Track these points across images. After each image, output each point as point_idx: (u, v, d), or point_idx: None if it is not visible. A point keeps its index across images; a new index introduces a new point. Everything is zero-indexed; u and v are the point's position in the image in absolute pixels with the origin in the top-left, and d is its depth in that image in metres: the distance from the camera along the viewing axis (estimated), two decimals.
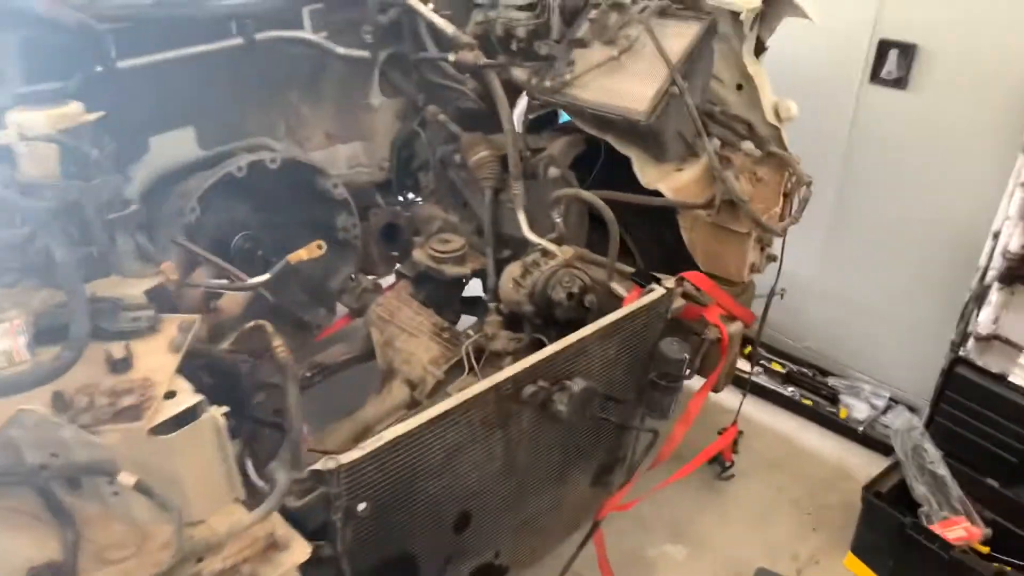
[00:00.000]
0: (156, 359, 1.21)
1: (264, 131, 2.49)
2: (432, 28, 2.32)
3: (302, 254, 1.54)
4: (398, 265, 2.87)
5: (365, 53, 2.47)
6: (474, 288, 2.77)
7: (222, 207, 2.41)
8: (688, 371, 2.06)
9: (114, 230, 1.28)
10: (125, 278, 1.32)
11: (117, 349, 1.20)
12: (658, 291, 2.00)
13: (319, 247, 1.56)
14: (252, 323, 1.47)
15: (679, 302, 2.09)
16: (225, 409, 1.17)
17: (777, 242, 2.33)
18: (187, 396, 1.15)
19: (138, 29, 2.05)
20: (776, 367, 3.39)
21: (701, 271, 2.21)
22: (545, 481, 2.07)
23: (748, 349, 3.40)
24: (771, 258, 2.29)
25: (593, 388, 1.84)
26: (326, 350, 2.67)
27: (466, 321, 2.83)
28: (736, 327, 2.14)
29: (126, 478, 1.07)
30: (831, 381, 3.26)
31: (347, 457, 1.41)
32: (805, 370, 3.35)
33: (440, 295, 2.69)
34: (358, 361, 2.69)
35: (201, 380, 1.39)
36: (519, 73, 2.38)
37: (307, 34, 2.38)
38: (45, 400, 1.10)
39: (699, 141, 2.14)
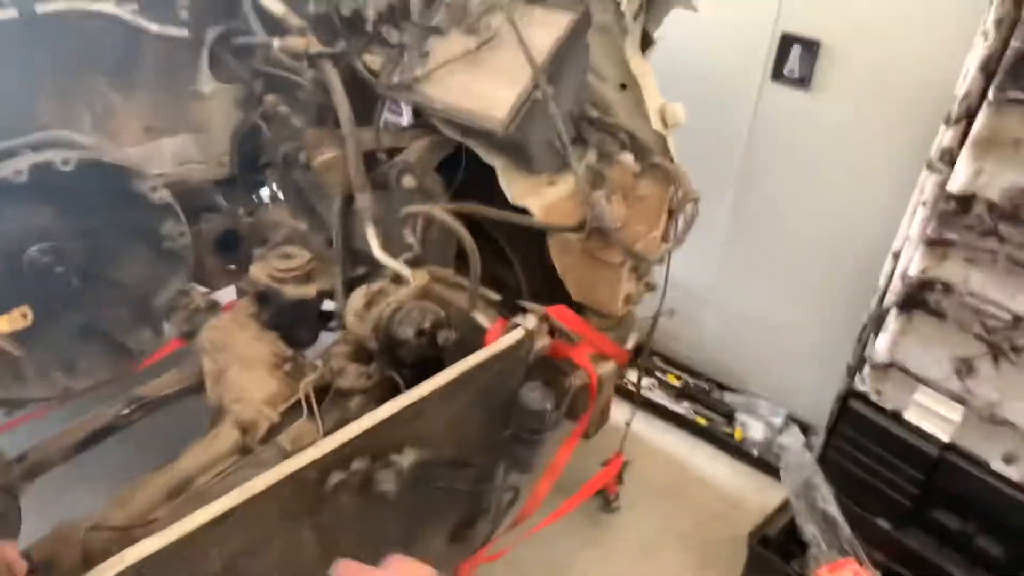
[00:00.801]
0: None
1: (63, 123, 2.06)
2: (258, 6, 1.93)
3: (2, 323, 1.17)
4: (240, 278, 2.48)
5: (184, 32, 2.05)
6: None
7: (11, 215, 1.99)
8: (552, 420, 1.78)
9: None
10: None
11: None
12: (516, 332, 1.70)
13: (22, 315, 1.19)
14: None
15: (543, 341, 1.80)
16: None
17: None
18: None
19: None
20: (671, 379, 3.18)
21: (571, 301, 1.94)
22: (384, 551, 1.77)
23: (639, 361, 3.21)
24: (650, 287, 2.03)
25: (428, 460, 1.54)
26: (150, 381, 2.29)
27: (327, 340, 2.50)
28: (608, 368, 1.88)
29: None
30: (728, 397, 3.08)
31: None
32: (702, 384, 3.16)
33: (289, 314, 2.33)
34: (188, 393, 2.32)
35: None
36: (367, 63, 2.02)
37: (108, 7, 1.95)
38: None
39: (567, 153, 1.83)
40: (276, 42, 1.91)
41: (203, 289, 2.44)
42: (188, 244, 2.29)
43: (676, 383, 3.15)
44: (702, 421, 3.01)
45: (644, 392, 3.11)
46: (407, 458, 1.48)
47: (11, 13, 1.82)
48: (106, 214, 2.18)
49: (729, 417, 3.02)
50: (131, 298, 2.33)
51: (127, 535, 1.72)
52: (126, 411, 2.19)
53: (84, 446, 2.13)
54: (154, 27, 2.03)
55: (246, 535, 1.30)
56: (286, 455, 1.86)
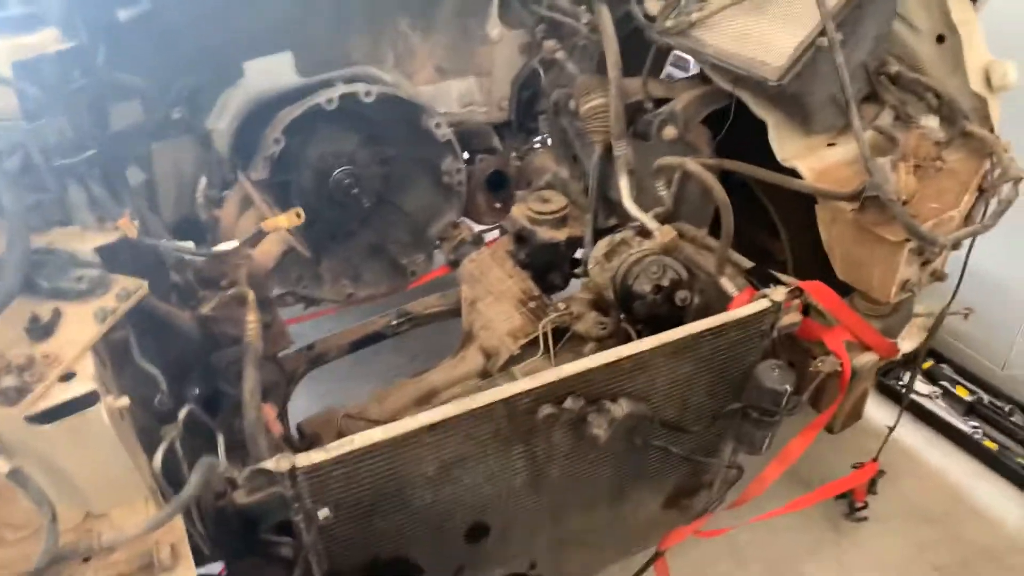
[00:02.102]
0: (79, 328, 1.09)
1: (370, 60, 2.31)
2: None
3: (280, 221, 1.35)
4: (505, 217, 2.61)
5: None
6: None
7: (325, 139, 2.31)
8: (791, 404, 1.63)
9: (65, 177, 1.17)
10: (87, 230, 1.21)
11: (47, 311, 1.09)
12: (760, 303, 1.57)
13: (297, 215, 1.36)
14: (233, 291, 1.32)
15: (793, 318, 1.64)
16: (123, 401, 1.02)
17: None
18: (83, 381, 1.01)
19: None
20: (961, 392, 2.72)
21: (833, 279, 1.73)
22: (594, 498, 1.78)
23: (926, 364, 2.80)
24: (937, 276, 1.73)
25: (642, 414, 1.50)
26: (418, 299, 2.53)
27: (577, 287, 2.55)
28: (866, 359, 1.66)
29: (0, 464, 0.96)
30: None
31: (305, 459, 1.24)
32: (1000, 403, 2.66)
33: (542, 256, 2.40)
34: (449, 315, 2.53)
35: (161, 341, 1.28)
36: (651, 8, 1.95)
37: None
38: None
39: (851, 111, 1.60)
40: None
41: (471, 224, 2.61)
42: (463, 180, 2.46)
43: (966, 397, 2.69)
44: (991, 445, 2.54)
45: (926, 402, 2.71)
46: (621, 408, 1.46)
47: None
48: (397, 146, 2.42)
49: None
50: (411, 224, 2.58)
51: (374, 427, 1.95)
52: (395, 322, 2.47)
53: (358, 346, 2.44)
54: None
55: (459, 446, 1.39)
56: None
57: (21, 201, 1.11)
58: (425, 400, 2.14)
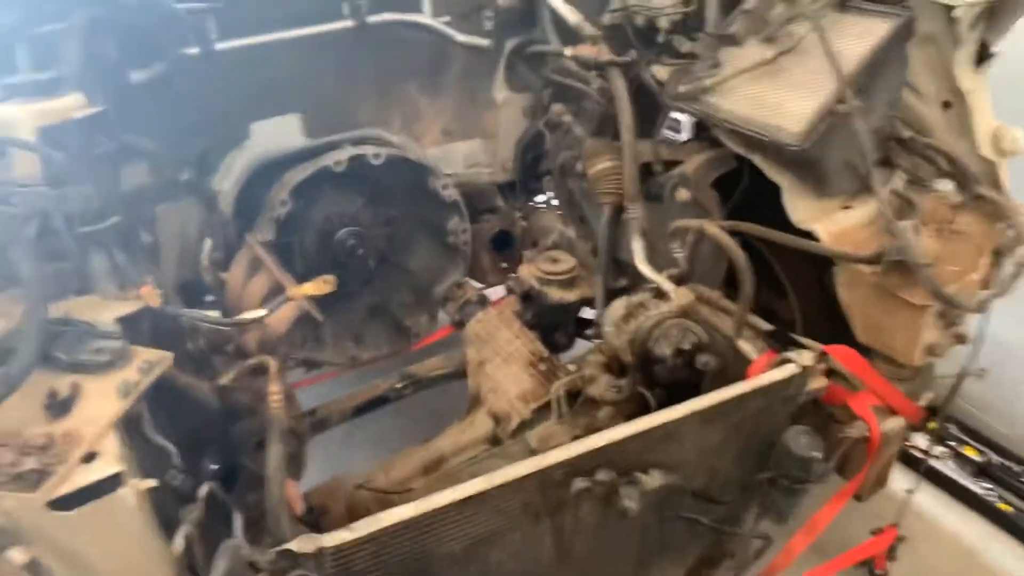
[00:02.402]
0: (100, 404, 1.03)
1: (378, 123, 2.32)
2: (556, 16, 1.99)
3: (308, 288, 1.31)
4: (510, 277, 2.59)
5: (486, 42, 2.20)
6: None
7: (330, 200, 2.29)
8: (820, 472, 1.59)
9: (88, 245, 1.13)
10: (107, 299, 1.16)
11: (65, 386, 1.03)
12: (788, 368, 1.55)
13: (326, 283, 1.33)
14: (256, 359, 1.27)
15: (819, 382, 1.62)
16: (149, 483, 0.96)
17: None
18: (108, 462, 0.95)
19: (240, 8, 1.93)
20: (970, 452, 2.70)
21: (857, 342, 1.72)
22: (617, 572, 1.71)
23: (932, 425, 2.77)
24: (960, 339, 1.72)
25: (676, 485, 1.45)
26: (422, 361, 2.48)
27: (583, 347, 2.52)
28: (894, 425, 1.63)
29: (17, 555, 0.89)
30: None
31: (332, 539, 1.17)
32: (1012, 465, 2.64)
33: (549, 316, 2.38)
34: (453, 377, 2.48)
35: (173, 413, 1.21)
36: (659, 74, 1.98)
37: (425, 18, 2.16)
38: None
39: (871, 176, 1.62)
40: (568, 50, 1.95)
41: (476, 284, 2.59)
42: (468, 240, 2.45)
43: (976, 457, 2.67)
44: (1005, 508, 2.51)
45: (933, 462, 2.68)
46: (654, 480, 1.41)
47: (347, 23, 2.08)
48: (402, 206, 2.41)
49: None
50: (414, 284, 2.56)
51: (386, 498, 1.88)
52: (399, 385, 2.41)
53: (361, 411, 2.38)
54: (461, 37, 2.20)
55: (489, 521, 1.33)
56: (533, 452, 1.90)
57: (40, 269, 1.06)
58: (433, 467, 2.07)
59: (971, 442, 2.73)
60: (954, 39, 1.67)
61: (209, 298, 2.13)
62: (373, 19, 2.07)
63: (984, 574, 2.38)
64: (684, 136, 2.91)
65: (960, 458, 2.70)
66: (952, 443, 2.71)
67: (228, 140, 2.05)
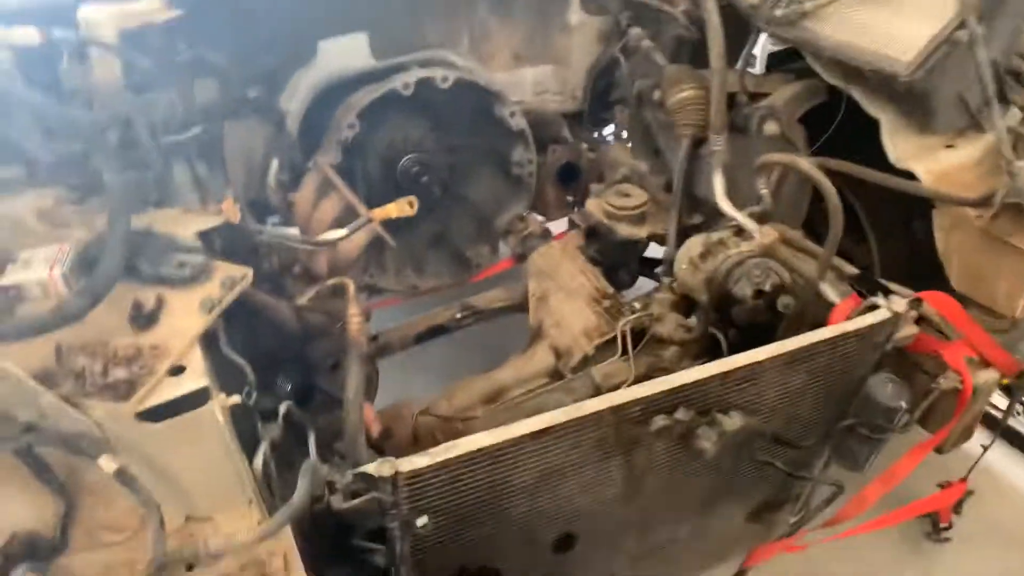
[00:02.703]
0: (184, 319, 1.01)
1: (445, 44, 2.22)
2: None
3: (391, 210, 1.27)
4: (574, 211, 2.51)
5: None
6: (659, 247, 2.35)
7: (395, 124, 2.22)
8: (903, 421, 1.53)
9: (170, 155, 1.09)
10: (187, 212, 1.14)
11: (150, 298, 1.02)
12: (880, 313, 1.47)
13: (410, 204, 1.28)
14: (334, 280, 1.24)
15: (910, 330, 1.53)
16: (234, 400, 0.95)
17: None
18: (194, 376, 0.94)
19: None
20: None
21: (953, 291, 1.62)
22: (682, 511, 1.70)
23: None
24: None
25: (755, 428, 1.41)
26: (483, 292, 2.45)
27: (643, 286, 2.45)
28: (988, 377, 1.55)
29: (107, 463, 0.89)
30: None
31: (408, 464, 1.15)
32: None
33: (614, 253, 2.31)
34: (513, 310, 2.44)
35: (248, 331, 1.20)
36: None
37: None
38: (49, 351, 0.95)
39: (987, 111, 1.50)
40: None
41: (539, 216, 2.52)
42: (533, 172, 2.37)
43: None
44: None
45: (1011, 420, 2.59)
46: (733, 422, 1.37)
47: None
48: (469, 133, 2.33)
49: None
50: (477, 215, 2.50)
51: (449, 424, 1.87)
52: (459, 315, 2.38)
53: (422, 339, 2.36)
54: None
55: (562, 454, 1.30)
56: (596, 388, 1.87)
57: (123, 178, 1.04)
58: (494, 398, 2.06)
59: None
60: None
61: (274, 219, 2.11)
62: None
63: None
64: (757, 70, 2.76)
65: None
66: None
67: (296, 58, 1.99)
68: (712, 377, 1.33)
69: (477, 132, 2.33)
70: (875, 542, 2.17)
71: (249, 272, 1.06)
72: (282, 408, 1.14)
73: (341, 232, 1.24)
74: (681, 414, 1.33)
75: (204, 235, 1.10)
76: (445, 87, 2.09)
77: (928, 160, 1.62)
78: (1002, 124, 1.47)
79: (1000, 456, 2.47)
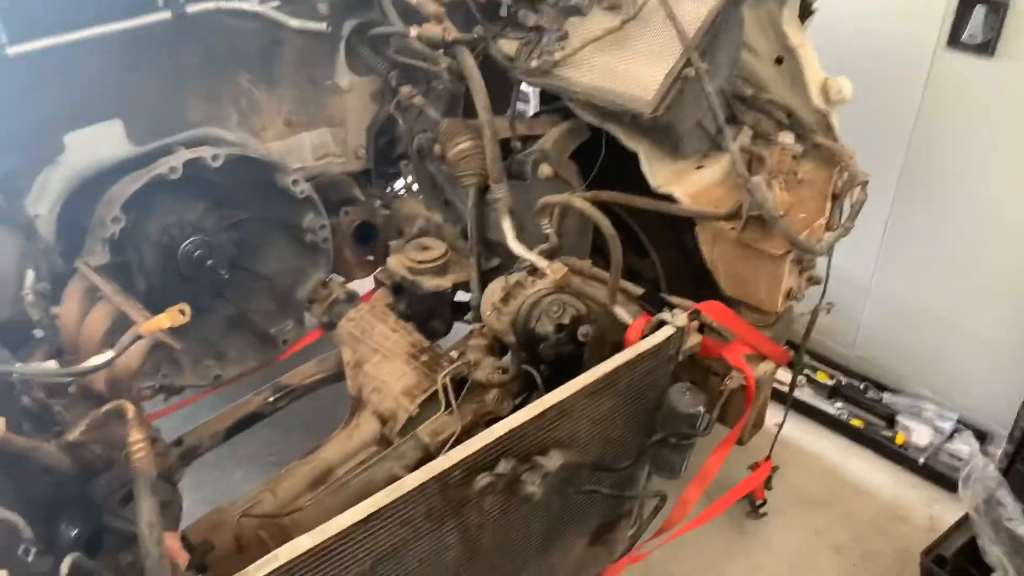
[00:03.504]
0: None
1: (211, 121, 2.13)
2: None
3: (162, 320, 1.19)
4: (378, 270, 2.49)
5: (323, 26, 2.06)
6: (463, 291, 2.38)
7: (167, 209, 2.08)
8: (705, 424, 1.65)
9: None
10: None
11: None
12: (667, 329, 1.59)
13: (181, 312, 1.20)
14: (108, 406, 1.12)
15: (694, 339, 1.67)
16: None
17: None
18: None
19: (34, 6, 1.70)
20: (822, 377, 2.94)
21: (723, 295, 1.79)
22: (524, 555, 1.71)
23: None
24: (813, 280, 1.85)
25: (575, 461, 1.46)
26: (293, 369, 2.34)
27: (460, 330, 2.47)
28: (765, 368, 1.73)
29: None
30: (887, 398, 2.81)
31: None
32: (856, 383, 2.90)
33: (424, 305, 2.31)
34: (329, 382, 2.35)
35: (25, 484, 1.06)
36: (505, 48, 1.95)
37: (251, 4, 1.99)
38: None
39: (722, 135, 1.68)
40: (414, 30, 1.87)
41: (341, 279, 2.47)
42: (328, 236, 2.32)
43: (827, 381, 2.91)
44: (857, 423, 2.76)
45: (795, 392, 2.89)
46: (553, 460, 1.41)
47: (164, 15, 1.88)
48: (251, 208, 2.24)
49: (889, 420, 2.75)
50: (275, 289, 2.39)
51: (276, 523, 1.76)
52: (272, 398, 2.25)
53: (234, 431, 2.20)
54: (294, 22, 2.06)
55: (392, 534, 1.27)
56: (426, 448, 1.85)
57: None
58: (321, 480, 1.96)
59: (821, 366, 2.97)
60: None
61: (38, 334, 1.89)
62: (193, 8, 1.88)
63: (848, 486, 2.61)
64: (532, 106, 2.91)
65: (813, 383, 2.93)
66: (807, 371, 2.94)
67: (40, 156, 1.81)
68: (526, 423, 1.37)
69: (262, 205, 2.24)
70: (705, 533, 2.32)
71: (0, 422, 0.93)
72: (66, 562, 1.01)
73: (107, 355, 1.12)
74: (502, 467, 1.35)
75: None
76: (217, 165, 1.99)
77: (683, 183, 1.79)
78: (735, 146, 1.66)
79: (794, 427, 2.75)
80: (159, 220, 2.06)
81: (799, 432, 2.80)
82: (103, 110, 1.91)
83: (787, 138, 1.78)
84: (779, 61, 1.87)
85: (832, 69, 1.88)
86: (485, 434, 1.33)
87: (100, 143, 1.92)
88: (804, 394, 2.90)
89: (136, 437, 1.07)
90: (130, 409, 1.11)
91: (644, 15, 1.72)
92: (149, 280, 2.08)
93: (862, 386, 2.89)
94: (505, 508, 1.48)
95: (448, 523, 1.38)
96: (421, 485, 1.25)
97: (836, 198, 1.83)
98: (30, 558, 1.05)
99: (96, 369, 1.13)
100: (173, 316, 1.17)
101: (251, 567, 1.10)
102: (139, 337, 1.17)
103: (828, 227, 1.81)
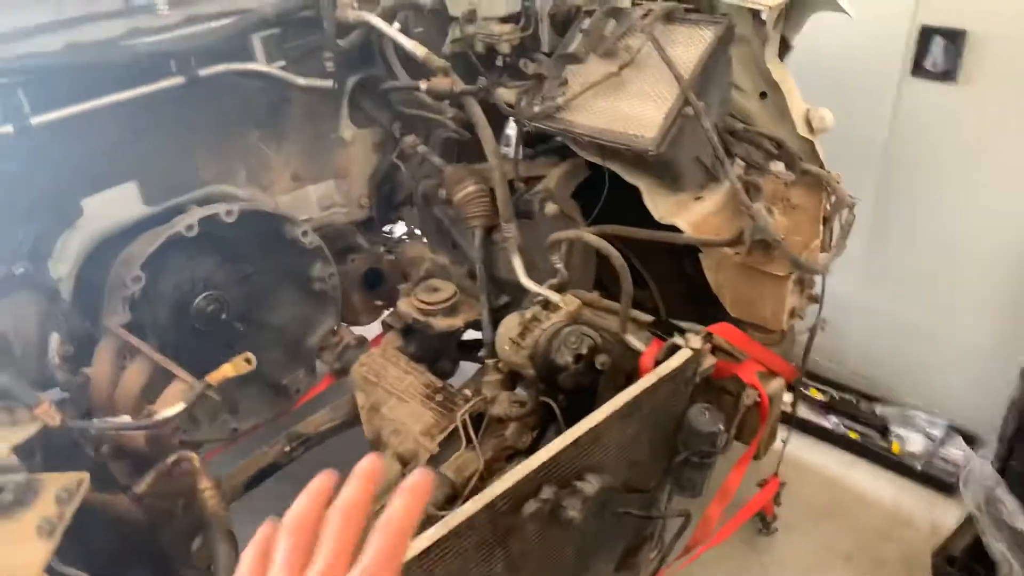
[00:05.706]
0: (19, 550, 0.90)
1: (222, 178, 2.19)
2: (401, 51, 1.99)
3: (227, 370, 1.23)
4: (385, 314, 2.54)
5: (329, 82, 2.15)
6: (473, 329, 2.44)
7: (178, 267, 2.12)
8: (723, 442, 1.73)
9: None
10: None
11: None
12: (684, 352, 1.67)
13: (247, 361, 1.25)
14: (175, 456, 1.16)
15: (709, 361, 1.76)
16: None
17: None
18: None
19: (54, 78, 1.75)
20: (814, 393, 3.04)
21: (729, 317, 1.89)
22: None
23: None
24: (813, 299, 1.95)
25: (610, 484, 1.52)
26: (307, 418, 2.37)
27: (466, 369, 2.52)
28: (777, 385, 1.81)
29: None
30: (879, 409, 2.92)
31: None
32: (848, 396, 3.00)
33: (433, 346, 2.38)
34: (344, 428, 2.38)
35: (94, 539, 1.09)
36: (505, 96, 2.05)
37: (260, 65, 2.07)
38: None
39: (721, 168, 1.79)
40: (423, 84, 1.96)
41: (350, 326, 2.51)
42: (337, 284, 2.37)
43: (820, 397, 3.01)
44: (854, 435, 2.86)
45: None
46: (591, 485, 1.47)
47: (177, 80, 1.95)
48: (261, 260, 2.29)
49: (883, 431, 2.86)
50: (286, 339, 2.43)
51: None
52: (288, 448, 2.27)
53: (251, 485, 2.21)
54: (301, 80, 2.14)
55: (447, 567, 1.31)
56: (452, 486, 1.89)
57: None
58: None
59: (812, 383, 3.07)
60: (762, 38, 1.89)
61: (61, 396, 1.90)
62: (204, 72, 1.95)
63: (851, 496, 2.70)
64: (511, 152, 3.02)
65: (807, 400, 3.03)
66: (800, 389, 3.03)
67: (61, 220, 1.85)
68: (565, 449, 1.43)
69: (271, 257, 2.30)
70: (718, 555, 2.37)
71: (85, 477, 0.97)
72: None
73: (180, 406, 1.16)
74: (546, 492, 1.40)
75: (21, 448, 0.99)
76: (231, 220, 2.05)
77: (685, 213, 1.89)
78: (734, 176, 1.77)
79: (796, 443, 2.83)
80: (172, 277, 2.10)
81: (800, 448, 2.88)
82: (119, 173, 1.96)
83: (778, 167, 1.90)
84: (763, 96, 2.00)
85: (808, 99, 2.02)
86: (527, 462, 1.39)
87: (116, 205, 1.97)
88: (801, 411, 2.98)
89: (205, 484, 1.11)
90: (195, 458, 1.14)
91: (639, 61, 1.84)
92: (162, 337, 2.11)
93: (854, 399, 2.99)
94: (542, 535, 1.53)
95: (496, 553, 1.43)
96: (471, 516, 1.29)
97: (827, 221, 1.95)
98: None
99: (170, 420, 1.17)
100: (238, 366, 1.22)
101: None
102: (208, 387, 1.22)
103: (822, 248, 1.92)
